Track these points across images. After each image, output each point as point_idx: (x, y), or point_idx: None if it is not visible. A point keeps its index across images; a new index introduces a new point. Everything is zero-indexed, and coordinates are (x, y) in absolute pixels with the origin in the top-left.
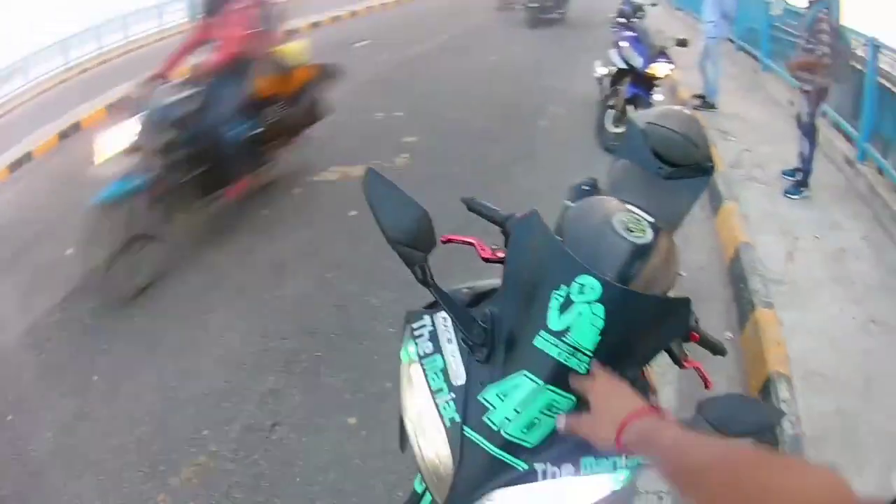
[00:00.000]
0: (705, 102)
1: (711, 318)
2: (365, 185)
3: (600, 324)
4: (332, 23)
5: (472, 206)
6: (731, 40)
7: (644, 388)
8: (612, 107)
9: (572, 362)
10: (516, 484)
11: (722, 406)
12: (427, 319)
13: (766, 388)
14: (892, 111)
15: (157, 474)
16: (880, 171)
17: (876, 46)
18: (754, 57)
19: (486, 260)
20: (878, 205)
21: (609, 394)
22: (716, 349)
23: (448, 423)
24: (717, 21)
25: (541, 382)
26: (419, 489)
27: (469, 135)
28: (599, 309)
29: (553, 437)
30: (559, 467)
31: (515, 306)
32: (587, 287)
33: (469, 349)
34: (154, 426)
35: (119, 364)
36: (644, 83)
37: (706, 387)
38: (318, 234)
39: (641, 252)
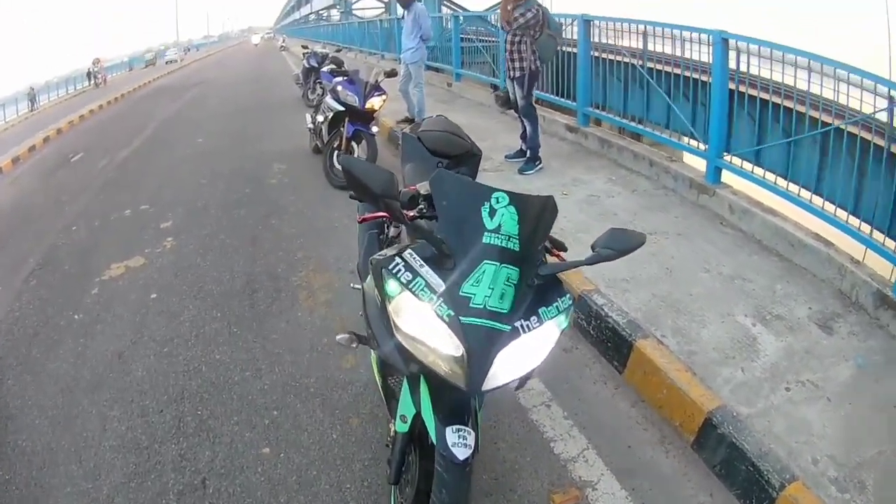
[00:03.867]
0: (414, 123)
1: None
2: (345, 167)
3: (516, 216)
4: (43, 144)
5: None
6: None
7: (544, 252)
8: (337, 148)
9: (510, 244)
10: (508, 343)
11: (607, 237)
12: (397, 259)
13: (583, 303)
14: (602, 78)
15: None
16: (605, 125)
17: (586, 21)
18: (439, 71)
19: (410, 220)
20: (612, 151)
21: None
22: (560, 246)
23: (447, 319)
24: (416, 46)
25: (498, 263)
26: (402, 429)
27: (213, 204)
28: (512, 208)
29: (516, 300)
30: (529, 320)
31: (457, 228)
32: (500, 197)
33: (437, 265)
34: None
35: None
36: (362, 119)
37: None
38: (132, 321)
39: None
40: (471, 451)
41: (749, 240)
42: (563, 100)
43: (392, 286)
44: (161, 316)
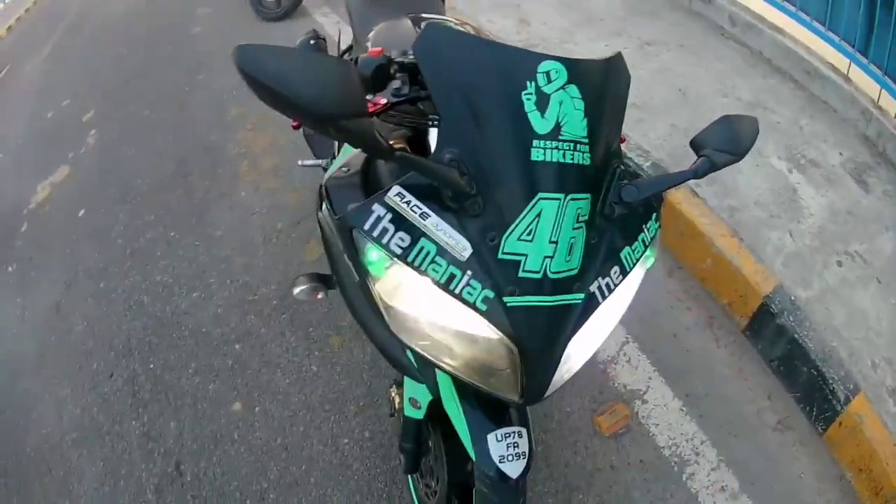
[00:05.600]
0: None
1: None
2: (246, 67)
3: (581, 105)
4: None
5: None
6: None
7: (620, 154)
8: None
9: (577, 157)
10: (583, 322)
11: (715, 132)
12: (378, 208)
13: None
14: None
15: None
16: None
17: None
18: None
19: (372, 114)
20: None
21: None
22: None
23: (483, 307)
24: None
25: (562, 196)
26: (415, 414)
27: (134, 76)
28: (573, 90)
29: (587, 248)
30: (609, 274)
31: (477, 134)
32: (552, 72)
33: (456, 209)
34: None
35: None
36: None
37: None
38: (63, 255)
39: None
40: (525, 461)
41: (759, 59)
42: None
43: (375, 257)
44: (91, 239)
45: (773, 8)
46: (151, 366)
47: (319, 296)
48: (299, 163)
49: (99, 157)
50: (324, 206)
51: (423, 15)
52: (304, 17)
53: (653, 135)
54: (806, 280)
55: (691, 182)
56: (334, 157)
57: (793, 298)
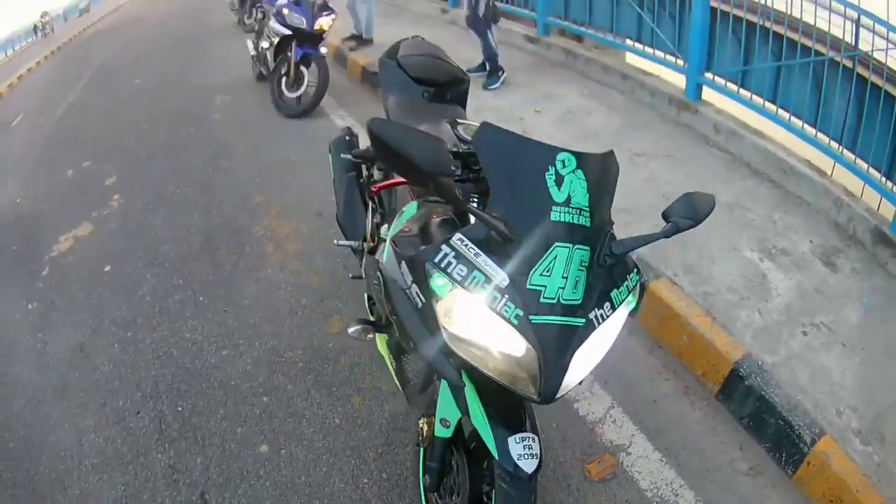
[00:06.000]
0: (361, 40)
1: None
2: (377, 134)
3: (585, 184)
4: None
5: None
6: None
7: (610, 222)
8: (285, 74)
9: (581, 220)
10: (584, 340)
11: (681, 205)
12: (445, 248)
13: None
14: None
15: None
16: (572, 35)
17: None
18: None
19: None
20: (579, 63)
21: None
22: None
23: (515, 321)
24: None
25: (571, 245)
26: (444, 434)
27: (157, 150)
28: (580, 173)
29: (587, 286)
30: (602, 307)
31: (514, 201)
32: (566, 161)
33: (495, 250)
34: None
35: None
36: (310, 41)
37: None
38: (88, 303)
39: None
40: (538, 460)
41: (739, 163)
42: (520, 9)
43: (440, 283)
44: (118, 293)
45: (752, 113)
46: (179, 408)
47: (369, 336)
48: (335, 242)
49: (123, 221)
50: (385, 257)
51: (458, 120)
52: (321, 117)
53: (637, 234)
54: (772, 348)
55: (670, 272)
56: (364, 240)
57: (760, 363)
